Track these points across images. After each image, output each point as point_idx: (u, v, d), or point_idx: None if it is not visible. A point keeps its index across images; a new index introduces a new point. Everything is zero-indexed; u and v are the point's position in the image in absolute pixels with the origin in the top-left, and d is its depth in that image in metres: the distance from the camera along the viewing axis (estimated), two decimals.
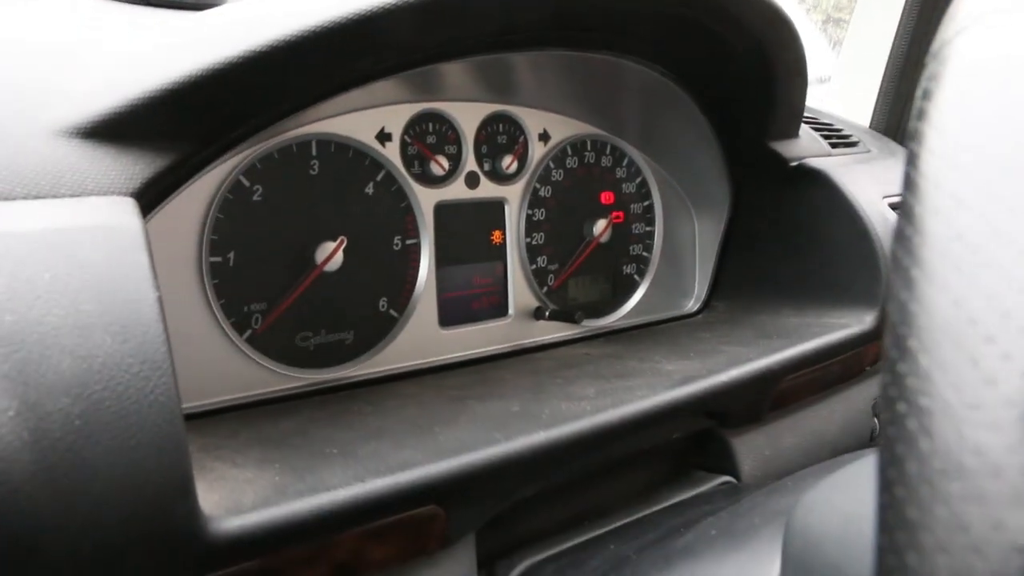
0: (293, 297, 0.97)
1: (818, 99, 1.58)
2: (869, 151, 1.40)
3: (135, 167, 0.69)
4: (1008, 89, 0.31)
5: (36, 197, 0.63)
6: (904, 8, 1.63)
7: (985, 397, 0.26)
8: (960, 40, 0.35)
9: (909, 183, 0.32)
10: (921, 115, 0.34)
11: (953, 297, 0.28)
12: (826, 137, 1.34)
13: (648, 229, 1.34)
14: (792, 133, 1.25)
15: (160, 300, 0.57)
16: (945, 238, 0.29)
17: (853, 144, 1.38)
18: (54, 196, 0.64)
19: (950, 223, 0.30)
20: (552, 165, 1.22)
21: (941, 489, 0.26)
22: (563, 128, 1.23)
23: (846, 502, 0.56)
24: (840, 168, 1.22)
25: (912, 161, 0.33)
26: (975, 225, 0.29)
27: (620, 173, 1.30)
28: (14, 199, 0.62)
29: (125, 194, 0.67)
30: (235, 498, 0.63)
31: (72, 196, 0.64)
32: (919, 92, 0.35)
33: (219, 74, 0.71)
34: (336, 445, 0.76)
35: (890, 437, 0.29)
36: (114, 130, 0.69)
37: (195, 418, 0.86)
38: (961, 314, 0.28)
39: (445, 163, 1.10)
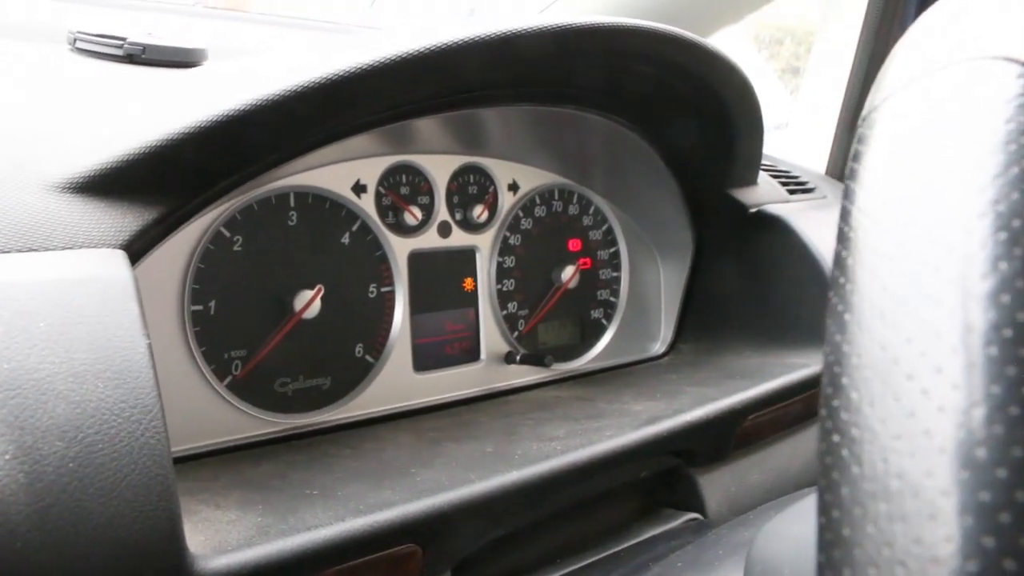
0: (272, 344, 0.99)
1: (776, 145, 1.63)
2: (825, 196, 1.45)
3: (123, 220, 0.72)
4: (927, 153, 0.35)
5: (30, 250, 0.65)
6: (854, 60, 1.69)
7: (906, 428, 0.30)
8: (886, 106, 0.39)
9: (841, 236, 0.36)
10: (852, 175, 0.38)
11: (879, 340, 0.32)
12: (784, 184, 1.38)
13: (615, 275, 1.38)
14: (751, 181, 1.30)
15: (150, 348, 0.60)
16: (871, 287, 0.33)
17: (810, 190, 1.43)
18: (47, 249, 0.66)
19: (875, 274, 0.33)
20: (521, 214, 1.26)
21: (870, 510, 0.30)
22: (531, 178, 1.27)
23: (802, 531, 0.60)
24: (797, 214, 1.27)
25: (844, 217, 0.37)
26: (898, 278, 0.33)
27: (587, 221, 1.34)
28: (9, 251, 0.65)
29: (115, 246, 0.70)
30: (220, 538, 0.66)
31: (64, 248, 0.67)
32: (851, 153, 0.39)
33: (204, 133, 0.74)
34: (316, 487, 0.79)
35: (826, 465, 0.32)
36: (103, 185, 0.72)
37: (177, 462, 0.88)
38: (886, 355, 0.31)
39: (418, 213, 1.13)
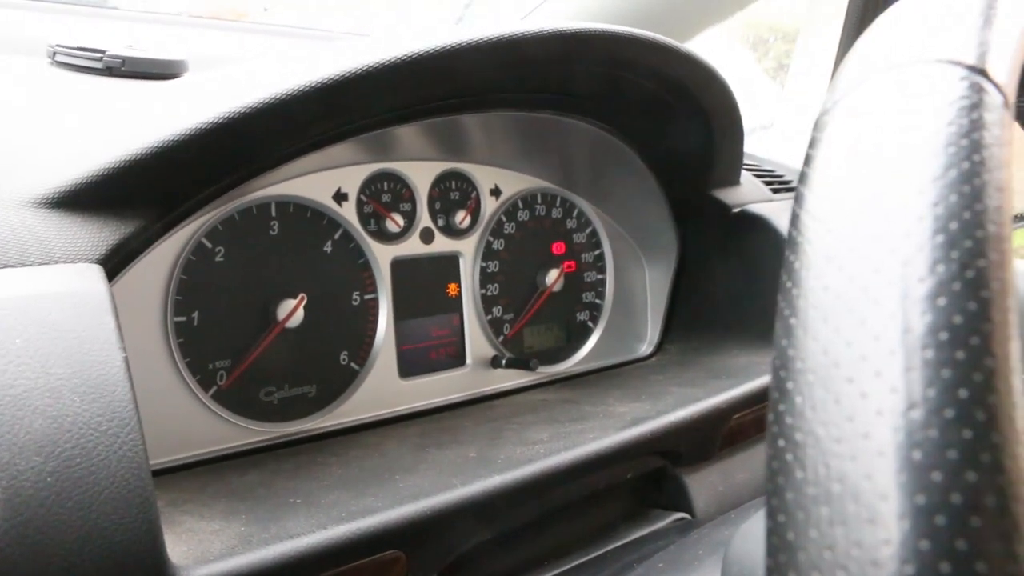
0: (256, 353, 1.00)
1: (760, 144, 1.64)
2: None
3: (100, 235, 0.72)
4: (872, 155, 0.36)
5: (5, 266, 0.66)
6: (836, 58, 1.70)
7: (846, 431, 0.30)
8: (836, 109, 0.40)
9: (790, 241, 0.37)
10: (802, 179, 0.38)
11: (822, 344, 0.32)
12: (767, 183, 1.39)
13: (600, 277, 1.38)
14: (733, 181, 1.30)
15: (127, 361, 0.61)
16: (816, 292, 0.34)
17: (793, 189, 1.43)
18: (23, 264, 0.67)
19: (820, 277, 0.34)
20: (504, 219, 1.26)
21: (813, 514, 0.30)
22: (514, 183, 1.27)
23: None
24: (780, 212, 1.27)
25: (793, 222, 0.37)
26: (841, 281, 0.33)
27: (570, 224, 1.34)
28: None
29: (91, 261, 0.70)
30: (202, 548, 0.66)
31: (40, 264, 0.67)
32: (804, 158, 0.40)
33: (181, 144, 0.75)
34: (300, 495, 0.79)
35: (773, 469, 0.33)
36: (79, 199, 0.73)
37: (163, 474, 0.89)
38: (828, 359, 0.32)
39: (400, 220, 1.14)
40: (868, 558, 0.28)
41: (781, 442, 0.33)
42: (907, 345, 0.30)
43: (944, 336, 0.30)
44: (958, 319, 0.30)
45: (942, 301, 0.30)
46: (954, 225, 0.32)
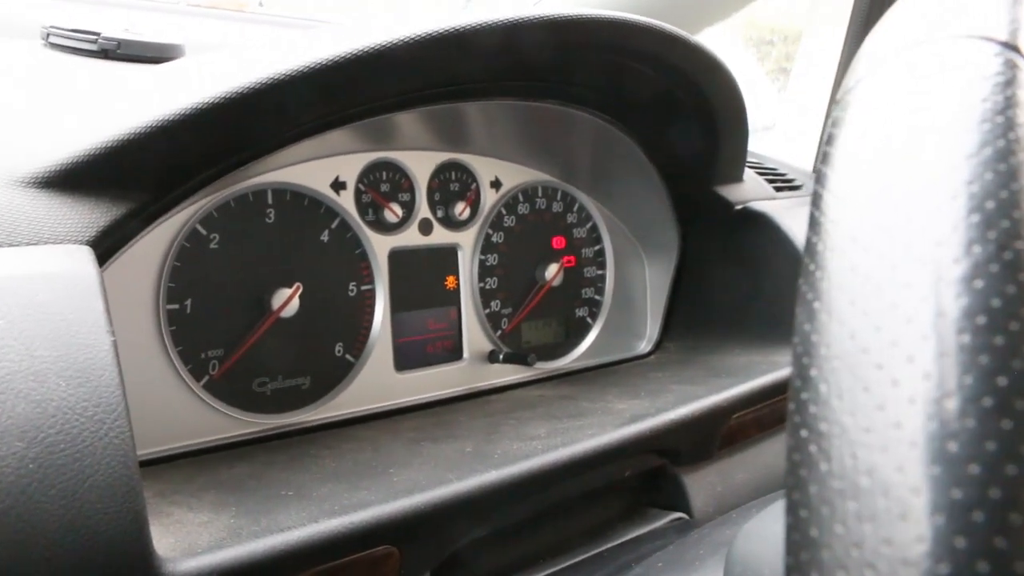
0: (250, 343, 0.98)
1: (762, 145, 1.62)
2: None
3: (91, 216, 0.71)
4: (900, 132, 0.34)
5: None
6: (840, 59, 1.69)
7: (876, 421, 0.29)
8: (859, 88, 0.38)
9: (813, 222, 0.35)
10: (825, 159, 0.37)
11: (848, 328, 0.31)
12: (770, 181, 1.38)
13: (600, 273, 1.37)
14: (736, 178, 1.29)
15: (115, 345, 0.59)
16: (842, 274, 0.32)
17: (796, 187, 1.42)
18: (10, 244, 0.65)
19: (847, 260, 0.32)
20: (504, 211, 1.25)
21: (839, 509, 0.29)
22: (514, 175, 1.26)
23: (782, 530, 0.58)
24: (783, 211, 1.26)
25: (816, 202, 0.35)
26: (869, 262, 0.31)
27: (571, 218, 1.33)
28: None
29: (81, 242, 0.68)
30: (190, 540, 0.64)
31: (28, 244, 0.66)
32: (824, 137, 0.38)
33: (176, 125, 0.73)
34: (292, 488, 0.77)
35: (794, 462, 0.31)
36: (70, 180, 0.71)
37: (152, 464, 0.87)
38: (855, 344, 0.30)
39: (399, 210, 1.12)
40: (899, 556, 0.27)
41: (804, 432, 0.31)
42: (941, 330, 0.28)
43: (981, 320, 0.28)
44: (996, 303, 0.28)
45: (979, 283, 0.29)
46: (991, 204, 0.30)
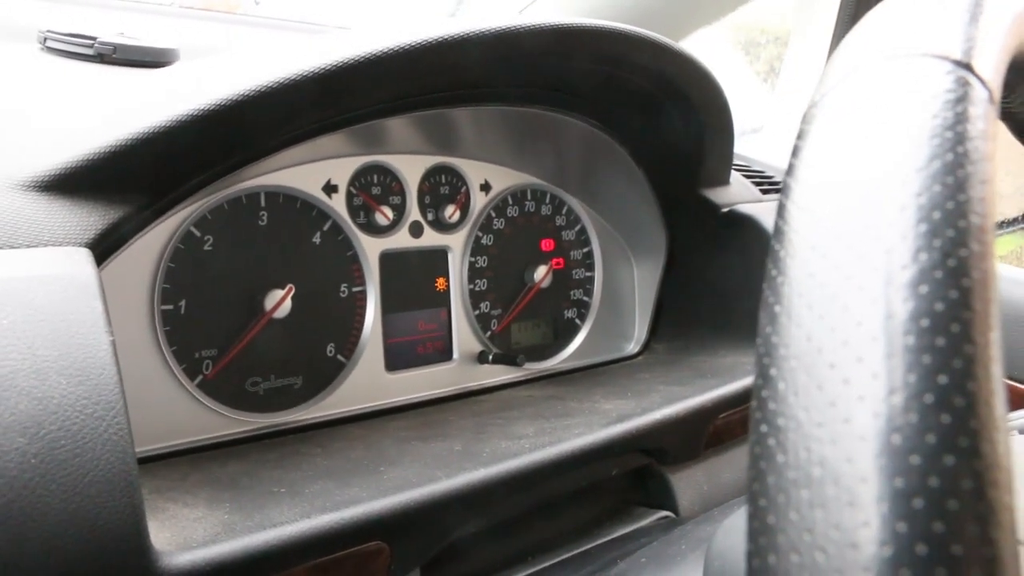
0: (243, 343, 1.00)
1: (749, 148, 1.64)
2: None
3: (89, 219, 0.72)
4: (857, 146, 0.36)
5: None
6: (827, 59, 1.71)
7: (828, 416, 0.31)
8: (823, 102, 0.40)
9: (777, 231, 0.37)
10: (789, 170, 0.39)
11: (805, 330, 0.33)
12: (757, 184, 1.39)
13: (588, 275, 1.38)
14: (723, 181, 1.31)
15: (114, 344, 0.61)
16: (801, 280, 0.34)
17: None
18: (11, 247, 0.67)
19: (805, 265, 0.34)
20: (493, 214, 1.27)
21: (793, 497, 0.31)
22: (504, 178, 1.28)
23: None
24: (769, 213, 1.27)
25: (780, 212, 0.37)
26: (825, 269, 0.34)
27: (560, 221, 1.35)
28: None
29: (80, 244, 0.70)
30: (185, 535, 0.66)
31: (28, 247, 0.67)
32: (792, 149, 0.40)
33: (172, 130, 0.75)
34: (284, 485, 0.79)
35: (755, 455, 0.33)
36: (69, 183, 0.73)
37: (147, 462, 0.88)
38: (811, 345, 0.32)
39: (390, 213, 1.14)
40: (847, 540, 0.29)
41: (764, 427, 0.33)
42: (889, 331, 0.31)
43: (925, 323, 0.30)
44: (939, 306, 0.30)
45: (924, 288, 0.31)
46: (937, 215, 0.32)
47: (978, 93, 0.36)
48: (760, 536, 0.32)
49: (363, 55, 0.81)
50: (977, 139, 0.34)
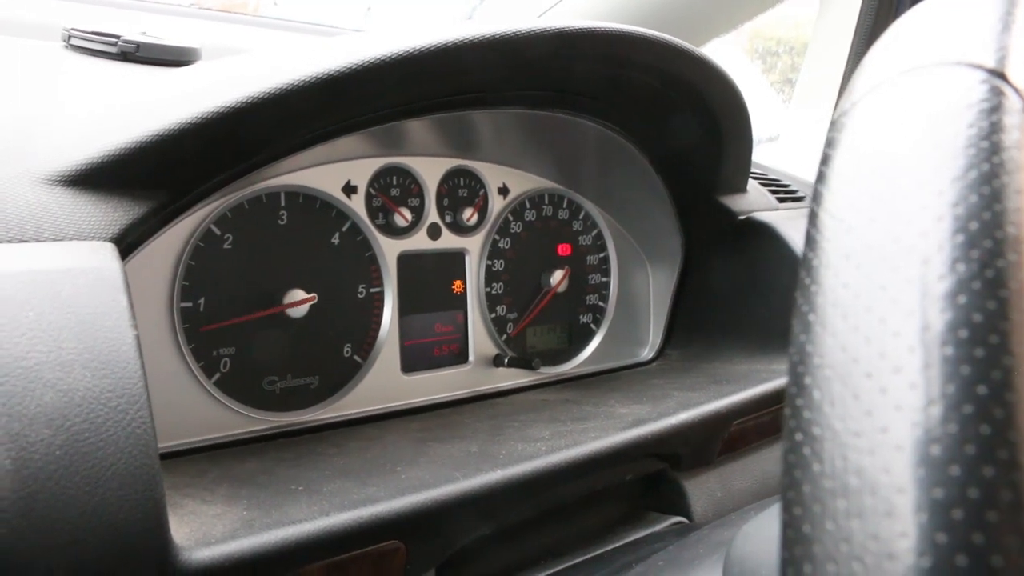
0: (260, 342, 1.00)
1: (766, 157, 1.64)
2: None
3: (114, 214, 0.73)
4: (891, 156, 0.36)
5: (20, 241, 0.66)
6: (844, 72, 1.71)
7: (864, 426, 0.31)
8: (854, 111, 0.40)
9: (809, 239, 0.37)
10: (820, 178, 0.39)
11: (840, 341, 0.33)
12: (773, 192, 1.39)
13: (604, 280, 1.38)
14: (740, 188, 1.31)
15: (138, 339, 0.61)
16: (835, 290, 0.34)
17: (799, 198, 1.44)
18: (38, 240, 0.67)
19: (839, 275, 0.34)
20: (511, 218, 1.27)
21: (829, 506, 0.31)
22: (522, 182, 1.28)
23: (779, 531, 0.60)
24: (786, 221, 1.28)
25: (812, 220, 0.37)
26: (860, 279, 0.34)
27: (577, 226, 1.35)
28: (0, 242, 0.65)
29: (105, 239, 0.70)
30: (205, 531, 0.66)
31: (54, 240, 0.68)
32: (822, 157, 0.40)
33: (195, 129, 0.75)
34: (302, 483, 0.79)
35: (789, 463, 0.33)
36: (95, 179, 0.73)
37: (164, 458, 0.88)
38: (847, 355, 0.32)
39: (408, 215, 1.14)
40: (885, 551, 0.29)
41: (799, 436, 0.33)
42: (926, 342, 0.31)
43: (964, 333, 0.30)
44: (978, 317, 0.30)
45: (962, 299, 0.31)
46: (974, 225, 0.32)
47: (1012, 102, 0.36)
48: (796, 545, 0.32)
49: (368, 59, 0.80)
50: (1012, 149, 0.34)
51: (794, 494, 0.33)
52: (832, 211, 0.36)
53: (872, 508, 0.30)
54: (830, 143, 0.40)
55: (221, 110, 0.76)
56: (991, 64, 0.37)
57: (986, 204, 0.33)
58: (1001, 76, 0.37)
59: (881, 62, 0.42)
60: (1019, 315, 0.31)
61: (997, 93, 0.36)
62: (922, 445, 0.29)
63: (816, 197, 0.38)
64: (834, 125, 0.41)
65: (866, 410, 0.31)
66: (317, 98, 0.81)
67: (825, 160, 0.39)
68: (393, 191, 1.14)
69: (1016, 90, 0.37)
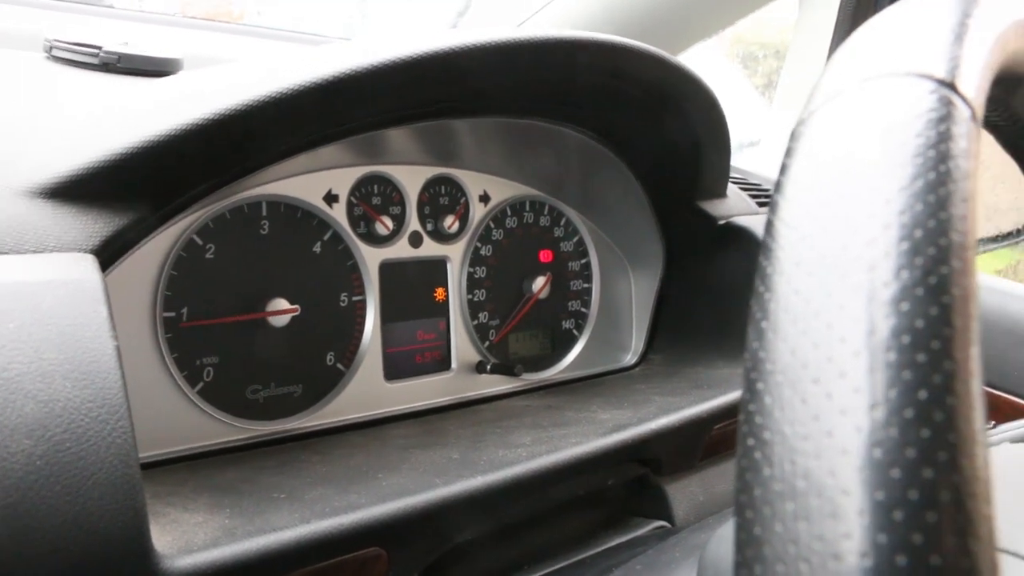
0: (243, 351, 1.01)
1: (746, 161, 1.65)
2: None
3: (95, 225, 0.73)
4: (842, 165, 0.37)
5: (0, 253, 0.67)
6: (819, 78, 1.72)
7: (812, 430, 0.32)
8: (811, 120, 0.41)
9: (764, 248, 0.38)
10: (777, 187, 0.40)
11: (790, 346, 0.34)
12: (753, 196, 1.40)
13: (586, 286, 1.39)
14: (720, 193, 1.32)
15: (118, 349, 0.62)
16: (787, 296, 0.35)
17: None
18: (17, 252, 0.68)
19: (792, 283, 0.35)
20: (492, 225, 1.28)
21: (779, 509, 0.32)
22: (503, 190, 1.29)
23: None
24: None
25: (768, 229, 0.39)
26: (810, 286, 0.35)
27: (558, 232, 1.36)
28: None
29: (85, 250, 0.71)
30: (187, 539, 0.67)
31: (35, 252, 0.68)
32: (780, 167, 0.41)
33: (174, 139, 0.76)
34: (284, 491, 0.80)
35: (741, 467, 0.34)
36: (75, 190, 0.74)
37: (147, 468, 0.89)
38: (796, 360, 0.33)
39: (389, 223, 1.15)
40: (829, 551, 0.30)
41: (750, 440, 0.34)
42: (871, 347, 0.32)
43: (906, 339, 0.31)
44: (920, 323, 0.31)
45: (905, 305, 0.32)
46: (919, 233, 0.33)
47: (961, 112, 0.37)
48: (747, 547, 0.33)
49: (360, 67, 0.81)
50: (959, 157, 0.35)
51: (746, 497, 0.34)
52: (786, 220, 0.37)
53: (818, 510, 0.31)
54: (788, 153, 0.41)
55: (201, 121, 0.76)
56: (941, 75, 0.38)
57: (931, 212, 0.34)
58: (951, 87, 0.38)
59: (836, 73, 0.43)
60: (961, 320, 0.32)
61: (946, 103, 0.37)
62: (865, 448, 0.30)
63: (773, 207, 0.39)
64: (792, 135, 0.42)
65: (813, 414, 0.32)
66: (302, 107, 0.81)
67: (782, 170, 0.40)
68: (374, 199, 1.15)
69: (965, 100, 0.38)
